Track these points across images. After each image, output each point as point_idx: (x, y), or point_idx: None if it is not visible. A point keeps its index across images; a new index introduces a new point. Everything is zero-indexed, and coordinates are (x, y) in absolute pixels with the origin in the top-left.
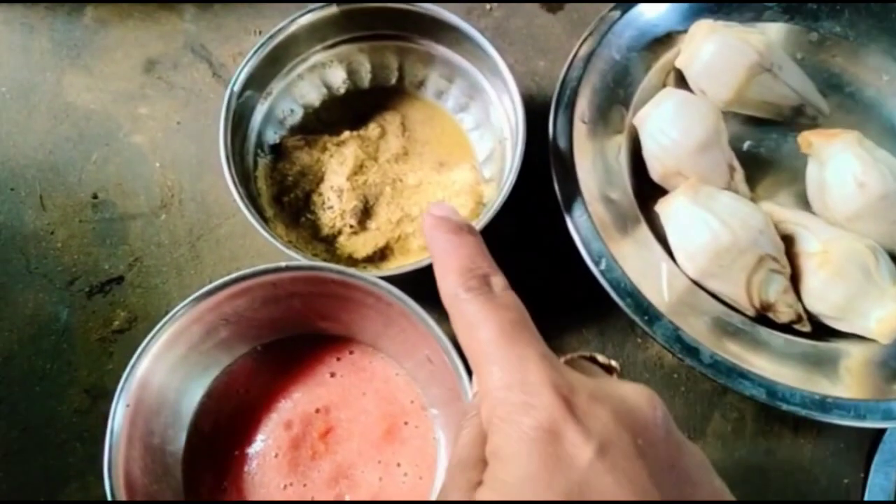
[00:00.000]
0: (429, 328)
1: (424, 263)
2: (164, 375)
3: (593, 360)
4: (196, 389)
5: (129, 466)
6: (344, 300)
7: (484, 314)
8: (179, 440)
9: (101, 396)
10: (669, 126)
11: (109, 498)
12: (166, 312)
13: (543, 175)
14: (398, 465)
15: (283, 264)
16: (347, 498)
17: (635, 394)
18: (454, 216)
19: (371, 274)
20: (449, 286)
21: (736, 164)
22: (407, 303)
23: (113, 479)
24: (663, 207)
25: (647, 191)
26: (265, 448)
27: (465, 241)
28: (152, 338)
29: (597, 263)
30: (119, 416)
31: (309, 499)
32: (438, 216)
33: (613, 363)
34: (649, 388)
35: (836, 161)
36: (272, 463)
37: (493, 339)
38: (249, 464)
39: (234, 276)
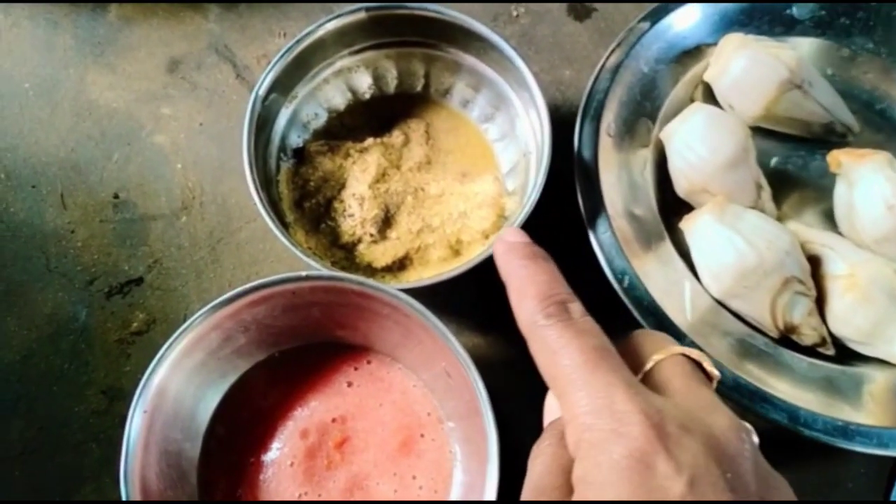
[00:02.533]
0: (447, 341)
1: (444, 277)
2: (181, 381)
3: (698, 365)
4: (213, 396)
5: (145, 472)
6: (362, 310)
7: (565, 340)
8: (195, 446)
9: (118, 398)
10: (697, 142)
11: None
12: (185, 316)
13: (566, 188)
14: (413, 477)
15: (303, 273)
16: None
17: (724, 423)
18: (527, 241)
19: (391, 286)
20: (527, 313)
21: (763, 182)
22: (426, 315)
23: (129, 484)
24: (688, 225)
25: (672, 206)
26: (281, 456)
27: (541, 267)
28: (171, 344)
29: (619, 281)
30: (136, 422)
31: None
32: (512, 241)
33: (716, 373)
34: (736, 417)
35: (866, 182)
36: (287, 471)
37: (578, 365)
38: (265, 472)
39: (253, 283)
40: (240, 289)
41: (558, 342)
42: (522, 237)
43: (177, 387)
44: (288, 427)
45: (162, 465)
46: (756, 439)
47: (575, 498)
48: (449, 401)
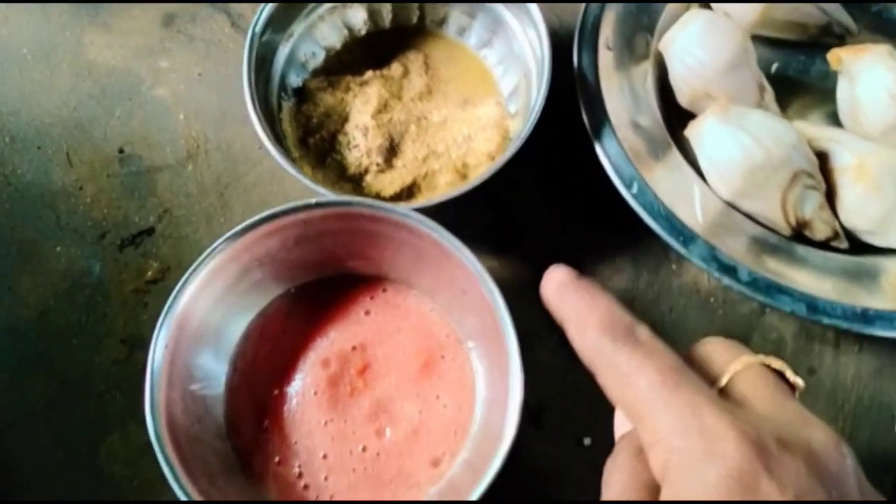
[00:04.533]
0: (462, 256)
1: (454, 194)
2: (201, 316)
3: (780, 374)
4: (233, 332)
5: (170, 407)
6: (375, 236)
7: (638, 362)
8: (219, 382)
9: (138, 346)
10: (696, 47)
11: (153, 439)
12: None
13: (569, 106)
14: (437, 397)
15: (313, 201)
16: (388, 431)
17: (822, 438)
18: (577, 275)
19: (401, 206)
20: (591, 342)
21: (765, 83)
22: (438, 231)
23: (156, 420)
24: (693, 130)
25: (675, 118)
26: (304, 386)
27: (598, 296)
28: (188, 277)
29: (628, 188)
30: (158, 357)
31: (350, 433)
32: (562, 279)
33: (800, 382)
34: (833, 431)
35: (868, 75)
36: (312, 400)
37: (656, 386)
38: (289, 402)
39: (265, 214)
40: (253, 220)
41: (630, 365)
42: (570, 272)
43: (198, 321)
44: (309, 358)
45: (186, 400)
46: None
47: None
48: (467, 321)
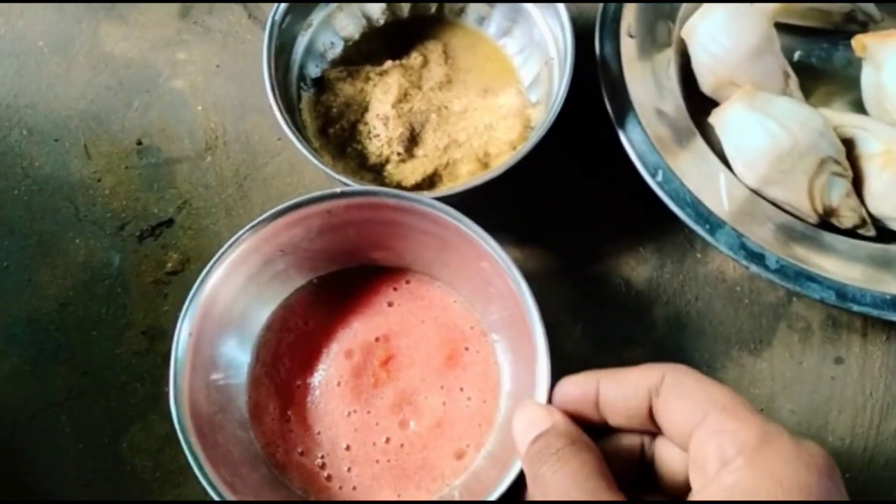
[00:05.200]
0: (488, 246)
1: (477, 182)
2: (225, 305)
3: None
4: (256, 321)
5: (193, 396)
6: (398, 226)
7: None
8: (241, 371)
9: (159, 337)
10: (721, 33)
11: (177, 427)
12: None
13: (591, 95)
14: (461, 389)
15: (338, 190)
16: (412, 423)
17: None
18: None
19: (425, 195)
20: None
21: (790, 70)
22: (464, 222)
23: (179, 408)
24: (718, 117)
25: (698, 107)
26: (327, 377)
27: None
28: (213, 266)
29: (653, 176)
30: (182, 345)
31: (374, 424)
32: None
33: None
34: None
35: (894, 61)
36: (335, 391)
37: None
38: (312, 393)
39: (290, 203)
40: (278, 208)
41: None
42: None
43: (220, 310)
44: (332, 349)
45: (210, 389)
46: None
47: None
48: (491, 314)
